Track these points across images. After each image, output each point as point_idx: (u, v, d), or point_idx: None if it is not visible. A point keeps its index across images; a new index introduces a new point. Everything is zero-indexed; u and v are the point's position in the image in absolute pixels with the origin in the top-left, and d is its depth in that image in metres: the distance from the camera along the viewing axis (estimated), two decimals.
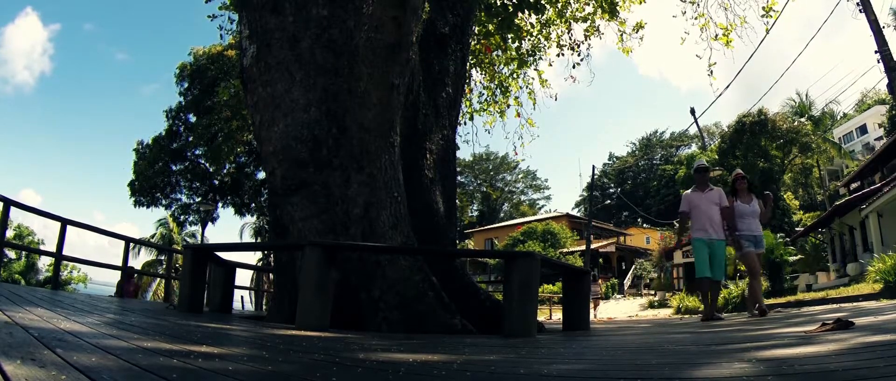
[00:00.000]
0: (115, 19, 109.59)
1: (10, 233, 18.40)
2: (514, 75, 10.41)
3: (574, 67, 10.09)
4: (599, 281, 23.80)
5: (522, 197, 67.03)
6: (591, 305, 20.84)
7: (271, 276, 15.33)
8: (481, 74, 10.45)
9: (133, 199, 22.37)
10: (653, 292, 30.69)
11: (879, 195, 16.08)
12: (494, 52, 9.88)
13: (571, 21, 9.91)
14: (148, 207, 22.71)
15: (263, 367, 1.70)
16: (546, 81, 10.42)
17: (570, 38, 10.09)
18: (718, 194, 6.45)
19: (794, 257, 19.18)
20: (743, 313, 8.52)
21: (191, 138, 22.18)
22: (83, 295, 7.60)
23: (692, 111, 23.77)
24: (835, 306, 8.59)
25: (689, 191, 6.74)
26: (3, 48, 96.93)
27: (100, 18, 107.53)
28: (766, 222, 6.78)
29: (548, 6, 9.14)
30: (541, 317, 10.75)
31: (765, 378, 1.39)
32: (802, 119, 30.26)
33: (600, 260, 37.25)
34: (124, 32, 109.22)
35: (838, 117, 39.30)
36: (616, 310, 22.07)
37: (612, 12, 9.47)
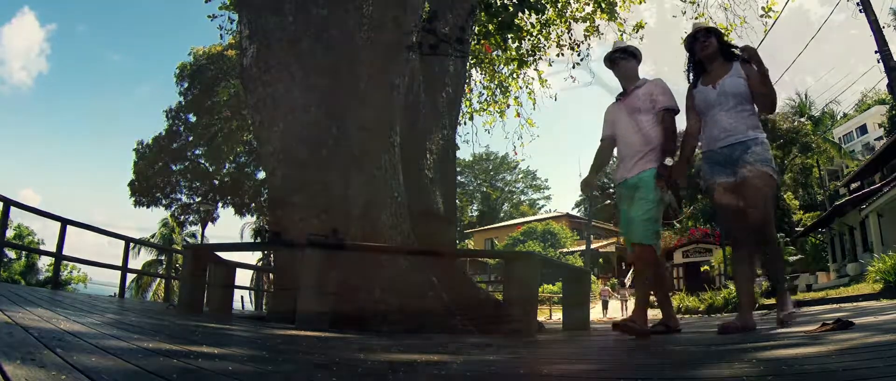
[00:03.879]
0: (110, 20, 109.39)
1: (10, 233, 18.39)
2: (514, 75, 10.42)
3: (574, 66, 10.11)
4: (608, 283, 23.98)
5: (522, 197, 67.00)
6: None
7: (271, 276, 15.33)
8: (481, 74, 10.46)
9: (133, 199, 22.44)
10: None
11: (879, 195, 16.08)
12: (494, 52, 9.89)
13: (571, 21, 9.92)
14: (148, 207, 22.79)
15: (264, 367, 1.70)
16: (546, 80, 10.44)
17: (570, 38, 10.11)
18: (646, 93, 3.46)
19: (794, 257, 19.24)
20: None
21: (191, 138, 22.23)
22: (83, 295, 7.60)
23: None
24: (835, 306, 8.59)
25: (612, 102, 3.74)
26: (0, 48, 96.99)
27: (94, 19, 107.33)
28: (768, 99, 3.18)
29: (548, 6, 9.14)
30: (541, 317, 10.74)
31: (765, 378, 1.39)
32: (802, 119, 30.21)
33: (600, 260, 37.25)
34: (118, 33, 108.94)
35: (838, 117, 39.30)
36: (616, 310, 22.12)
37: (611, 13, 9.48)
